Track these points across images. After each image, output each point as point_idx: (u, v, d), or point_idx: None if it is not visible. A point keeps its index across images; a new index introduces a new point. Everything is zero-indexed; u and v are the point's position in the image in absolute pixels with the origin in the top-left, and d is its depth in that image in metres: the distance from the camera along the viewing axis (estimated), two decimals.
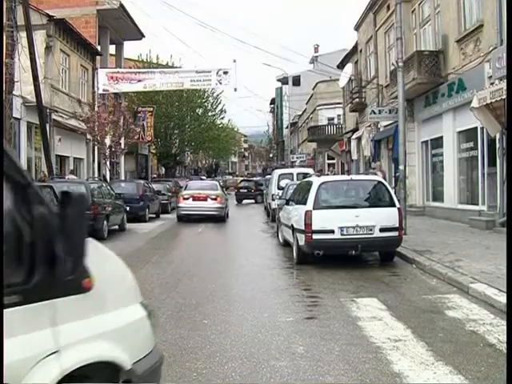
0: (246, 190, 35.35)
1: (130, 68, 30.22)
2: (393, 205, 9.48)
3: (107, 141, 24.12)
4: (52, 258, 2.19)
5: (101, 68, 26.33)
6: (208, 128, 42.79)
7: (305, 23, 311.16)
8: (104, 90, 25.16)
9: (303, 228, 9.25)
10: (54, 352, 2.20)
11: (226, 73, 23.86)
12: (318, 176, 13.98)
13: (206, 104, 43.29)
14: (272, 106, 77.65)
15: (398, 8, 13.93)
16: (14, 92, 14.22)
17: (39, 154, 19.67)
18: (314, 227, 9.09)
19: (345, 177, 12.81)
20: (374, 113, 21.09)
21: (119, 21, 28.03)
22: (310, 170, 22.13)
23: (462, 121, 15.04)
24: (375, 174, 15.11)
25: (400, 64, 13.60)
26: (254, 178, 45.42)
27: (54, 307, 2.27)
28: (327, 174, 23.46)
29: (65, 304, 2.31)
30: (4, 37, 13.06)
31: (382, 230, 9.12)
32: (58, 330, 2.26)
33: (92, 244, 2.61)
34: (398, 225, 9.33)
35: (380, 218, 9.20)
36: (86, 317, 2.43)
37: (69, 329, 2.31)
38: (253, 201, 34.28)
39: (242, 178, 48.78)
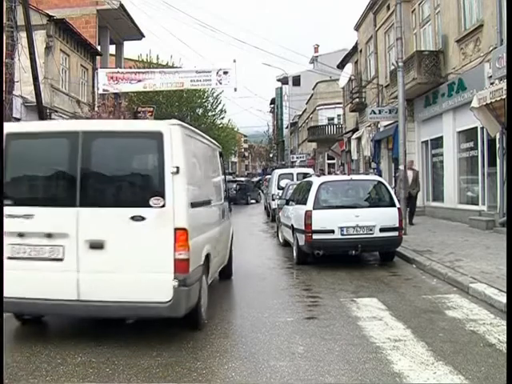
0: None
1: (130, 68, 30.19)
2: (393, 205, 9.48)
3: None
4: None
5: (101, 68, 26.29)
6: (208, 128, 42.69)
7: (305, 23, 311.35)
8: (104, 90, 25.05)
9: (303, 228, 9.25)
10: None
11: (226, 73, 23.79)
12: (318, 176, 13.97)
13: (205, 104, 43.24)
14: (272, 105, 77.60)
15: (397, 8, 13.93)
16: (14, 92, 14.18)
17: None
18: (314, 227, 9.09)
19: (345, 177, 12.79)
20: (374, 113, 21.09)
21: (119, 21, 28.01)
22: (310, 170, 22.12)
23: (462, 121, 15.03)
24: (412, 169, 14.68)
25: (400, 64, 13.59)
26: (239, 178, 45.16)
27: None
28: (336, 174, 23.11)
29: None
30: (4, 37, 13.04)
31: (382, 229, 9.12)
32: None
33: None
34: (398, 225, 9.33)
35: (380, 218, 9.20)
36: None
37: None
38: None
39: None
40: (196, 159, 5.99)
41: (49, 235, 5.02)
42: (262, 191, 32.36)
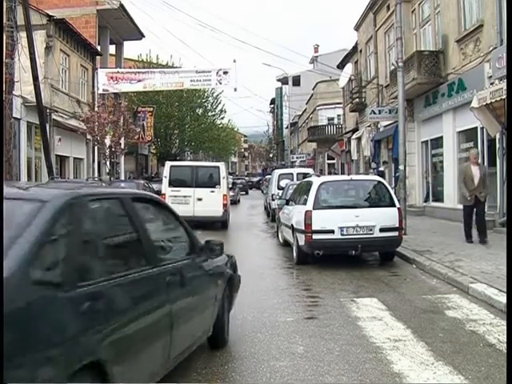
0: None
1: (130, 68, 30.19)
2: (393, 205, 9.47)
3: (107, 141, 24.09)
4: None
5: (101, 68, 26.32)
6: (208, 128, 42.74)
7: (305, 23, 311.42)
8: (104, 90, 25.13)
9: (303, 228, 9.24)
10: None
11: (225, 73, 23.84)
12: (318, 176, 13.95)
13: (205, 104, 43.23)
14: (272, 106, 77.66)
15: (397, 8, 13.92)
16: (14, 92, 14.17)
17: (39, 154, 19.66)
18: (314, 227, 9.08)
19: (345, 177, 12.78)
20: (374, 113, 21.09)
21: (119, 21, 28.04)
22: (310, 170, 22.11)
23: (462, 121, 15.03)
24: (478, 165, 11.20)
25: (400, 64, 13.59)
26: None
27: None
28: (360, 173, 22.37)
29: None
30: (4, 37, 13.04)
31: (382, 230, 9.11)
32: None
33: None
34: (398, 225, 9.32)
35: (380, 218, 9.18)
36: None
37: None
38: None
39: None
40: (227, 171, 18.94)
41: (184, 196, 15.85)
42: (263, 191, 32.62)
